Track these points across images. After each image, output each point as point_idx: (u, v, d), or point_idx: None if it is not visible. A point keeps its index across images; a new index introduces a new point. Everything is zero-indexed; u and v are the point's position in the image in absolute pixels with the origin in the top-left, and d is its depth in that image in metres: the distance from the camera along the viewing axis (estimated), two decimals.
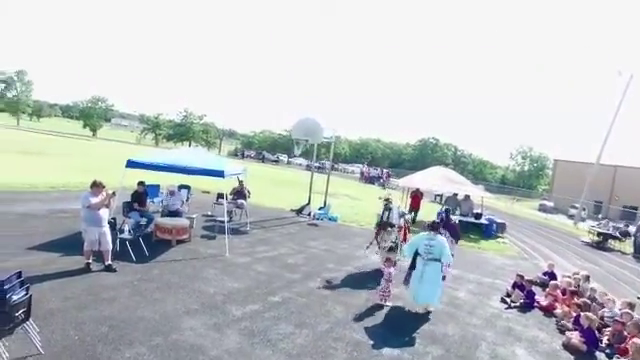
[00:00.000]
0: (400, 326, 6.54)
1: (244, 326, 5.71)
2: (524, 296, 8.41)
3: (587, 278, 9.46)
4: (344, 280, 8.50)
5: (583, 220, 31.44)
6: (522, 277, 8.83)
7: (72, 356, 4.42)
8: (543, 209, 38.13)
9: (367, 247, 9.66)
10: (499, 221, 17.87)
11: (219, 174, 9.21)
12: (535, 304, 8.39)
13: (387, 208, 9.38)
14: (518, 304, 8.28)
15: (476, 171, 77.04)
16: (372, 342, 5.79)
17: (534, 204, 42.85)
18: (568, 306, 8.05)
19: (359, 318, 6.59)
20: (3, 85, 70.24)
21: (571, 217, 33.80)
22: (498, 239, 16.30)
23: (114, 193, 7.27)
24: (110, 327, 5.10)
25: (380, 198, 10.21)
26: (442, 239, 7.29)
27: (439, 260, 7.05)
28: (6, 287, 4.01)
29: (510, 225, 19.97)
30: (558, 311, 8.02)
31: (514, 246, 15.88)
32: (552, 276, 10.05)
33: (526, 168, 74.39)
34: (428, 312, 7.18)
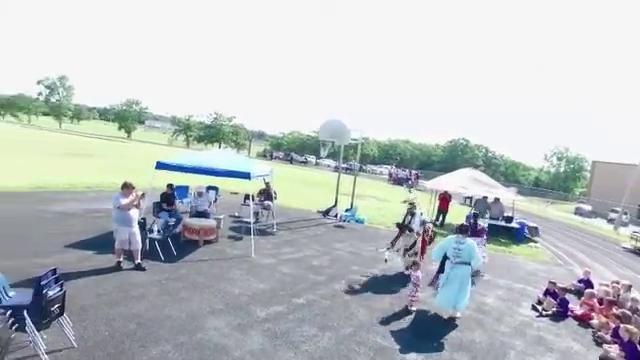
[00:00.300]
0: (425, 331, 6.43)
1: (267, 327, 5.76)
2: (557, 304, 8.08)
3: (629, 288, 8.93)
4: (369, 283, 8.44)
5: (625, 225, 29.94)
6: (554, 284, 8.48)
7: (102, 351, 4.58)
8: (580, 213, 36.60)
9: (388, 248, 9.30)
10: (531, 225, 17.27)
11: (245, 176, 9.34)
12: (569, 313, 8.04)
13: (410, 212, 9.18)
14: (550, 312, 7.95)
15: (508, 173, 74.86)
16: (396, 347, 5.72)
17: (570, 207, 41.19)
18: (606, 317, 7.65)
19: (383, 322, 6.52)
20: (47, 90, 74.20)
21: (611, 221, 32.21)
22: (530, 243, 15.75)
23: (143, 194, 7.49)
24: (138, 324, 5.27)
25: (405, 201, 10.03)
26: (471, 242, 7.12)
27: (468, 264, 6.90)
28: (43, 283, 4.21)
29: (543, 229, 19.27)
30: (595, 322, 7.64)
31: (547, 251, 15.29)
32: (588, 284, 9.60)
33: (562, 170, 71.58)
34: (454, 318, 7.01)
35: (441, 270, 7.25)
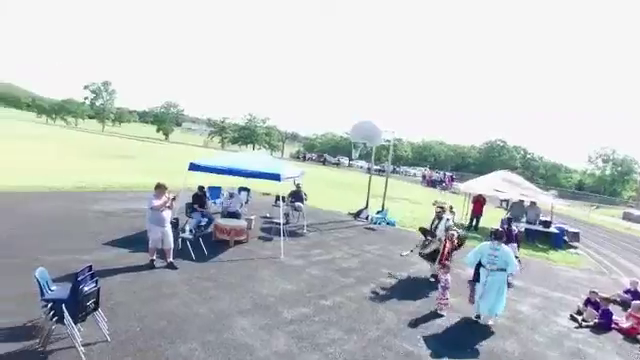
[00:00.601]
0: (454, 338, 6.25)
1: (293, 329, 5.79)
2: (598, 315, 7.64)
3: None
4: (398, 286, 8.32)
5: None
6: (596, 293, 8.04)
7: (133, 345, 4.76)
8: (628, 218, 34.49)
9: (410, 251, 9.58)
10: (572, 230, 16.44)
11: (276, 177, 9.44)
12: (613, 325, 7.58)
13: (438, 217, 8.91)
14: (591, 324, 7.53)
15: (548, 175, 71.65)
16: (424, 353, 5.60)
17: (617, 212, 38.87)
18: None
19: (411, 327, 6.40)
20: (93, 95, 78.20)
21: None
22: (570, 250, 14.99)
23: (174, 197, 7.72)
24: (168, 322, 5.43)
25: (434, 204, 9.81)
26: (507, 248, 6.97)
27: (504, 270, 6.77)
28: (80, 279, 4.43)
29: (586, 235, 18.32)
30: None
31: (589, 258, 14.52)
32: (636, 295, 8.98)
33: (607, 172, 67.74)
34: (489, 326, 6.82)
35: (476, 279, 7.06)
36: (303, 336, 5.61)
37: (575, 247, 15.39)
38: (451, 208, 10.96)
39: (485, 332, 6.62)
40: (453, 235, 8.44)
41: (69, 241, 8.27)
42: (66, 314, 4.20)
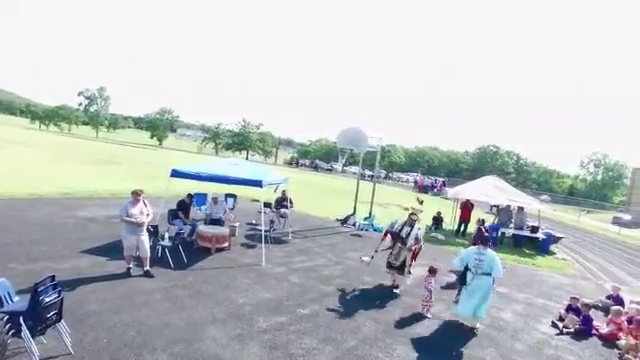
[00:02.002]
0: (432, 347, 6.17)
1: (267, 338, 5.68)
2: (579, 321, 7.60)
3: None
4: (379, 294, 8.23)
5: None
6: (577, 300, 8.00)
7: (98, 358, 4.63)
8: (618, 222, 34.66)
9: (371, 257, 9.20)
10: (558, 235, 16.48)
11: (257, 184, 9.36)
12: (593, 331, 7.54)
13: (410, 224, 8.27)
14: (572, 330, 7.49)
15: (541, 180, 72.14)
16: None
17: (607, 217, 39.13)
18: (635, 338, 7.10)
19: (389, 335, 6.32)
20: (87, 101, 77.88)
21: None
22: (556, 255, 14.99)
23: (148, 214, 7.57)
24: (137, 332, 5.31)
25: (407, 209, 9.75)
26: (492, 252, 7.11)
27: (489, 274, 6.92)
28: (40, 290, 4.31)
29: (574, 240, 18.35)
30: (622, 342, 7.12)
31: (576, 264, 14.52)
32: (618, 301, 8.97)
33: (599, 177, 68.29)
34: (473, 329, 6.92)
35: (462, 282, 7.16)
36: (277, 346, 5.51)
37: (554, 252, 15.33)
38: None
39: (463, 340, 6.55)
40: (421, 246, 8.52)
41: (47, 248, 8.14)
42: (23, 327, 4.08)
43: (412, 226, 8.25)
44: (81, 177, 18.26)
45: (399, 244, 8.22)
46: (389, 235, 8.55)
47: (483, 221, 11.73)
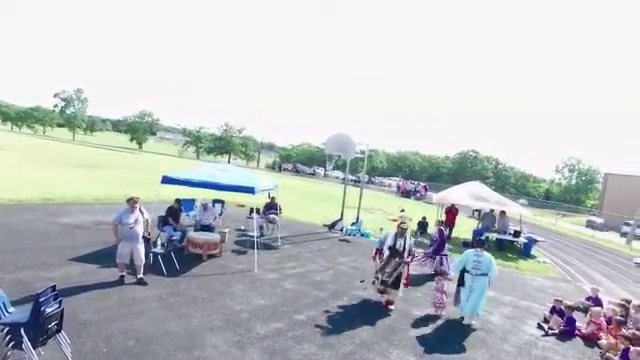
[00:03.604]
0: (427, 351, 6.32)
1: (266, 344, 5.73)
2: (563, 323, 7.91)
3: (639, 307, 8.71)
4: (372, 300, 8.34)
5: (638, 239, 29.31)
6: (561, 302, 8.32)
7: None
8: (591, 226, 35.96)
9: (373, 282, 7.96)
10: (540, 239, 17.03)
11: (250, 190, 9.39)
12: (576, 332, 7.87)
13: (402, 235, 7.81)
14: (556, 331, 7.79)
15: (518, 185, 74.03)
16: None
17: (581, 220, 40.53)
18: (615, 337, 7.45)
19: (385, 340, 6.44)
20: (64, 103, 75.77)
21: (624, 235, 31.60)
22: (538, 259, 15.48)
23: (147, 221, 7.55)
24: (137, 340, 5.28)
25: (394, 220, 9.85)
26: (489, 255, 7.72)
27: (486, 274, 7.56)
28: (41, 300, 4.26)
29: (552, 243, 18.96)
30: (603, 342, 7.45)
31: (556, 267, 15.03)
32: (597, 302, 9.38)
33: (573, 182, 70.63)
34: (470, 326, 7.49)
35: (461, 283, 7.72)
36: (276, 352, 5.56)
37: (535, 256, 15.82)
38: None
39: (456, 343, 6.74)
40: (415, 253, 8.20)
41: (33, 257, 7.94)
42: (25, 338, 4.02)
43: (404, 237, 7.83)
44: (61, 182, 17.81)
45: (396, 259, 7.69)
46: (378, 252, 8.01)
47: (442, 222, 12.60)
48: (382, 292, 7.86)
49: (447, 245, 11.28)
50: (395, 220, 10.13)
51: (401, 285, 7.85)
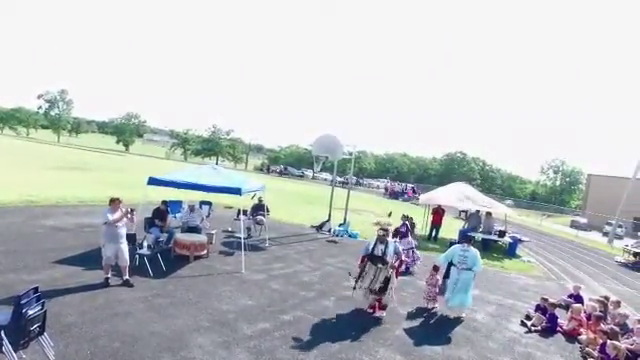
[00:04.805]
0: (412, 348, 6.40)
1: (253, 344, 5.74)
2: (546, 320, 8.08)
3: (618, 304, 8.91)
4: (358, 300, 8.39)
5: (620, 238, 29.98)
6: (546, 300, 8.49)
7: None
8: (575, 226, 36.65)
9: (354, 288, 7.58)
10: (525, 239, 17.32)
11: (236, 191, 9.39)
12: (558, 328, 8.04)
13: (382, 241, 7.39)
14: (539, 328, 7.95)
15: (505, 186, 75.10)
16: None
17: (566, 220, 41.26)
18: (594, 332, 7.65)
19: (371, 339, 6.50)
20: (48, 104, 74.45)
21: (606, 234, 32.29)
22: (522, 258, 15.75)
23: (132, 210, 7.52)
24: (122, 342, 5.25)
25: (377, 224, 9.91)
26: (475, 250, 8.03)
27: (471, 269, 7.86)
28: (23, 302, 4.21)
29: (537, 243, 19.28)
30: (583, 337, 7.63)
31: (540, 266, 15.29)
32: (578, 299, 9.58)
33: (558, 183, 71.95)
34: (459, 318, 7.89)
35: (447, 275, 8.13)
36: (262, 352, 5.58)
37: (520, 256, 16.08)
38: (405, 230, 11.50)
39: (442, 341, 6.83)
40: (402, 256, 7.79)
41: (16, 260, 7.82)
42: (5, 341, 3.97)
43: (384, 242, 7.37)
44: (45, 184, 17.54)
45: (379, 265, 7.25)
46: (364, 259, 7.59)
47: (407, 216, 13.02)
48: (373, 306, 7.46)
49: (412, 239, 11.64)
50: (377, 224, 10.14)
51: (390, 292, 7.38)
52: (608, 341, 6.63)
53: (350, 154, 16.94)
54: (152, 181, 9.30)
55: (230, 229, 12.97)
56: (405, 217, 13.00)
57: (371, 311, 7.55)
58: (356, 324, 7.02)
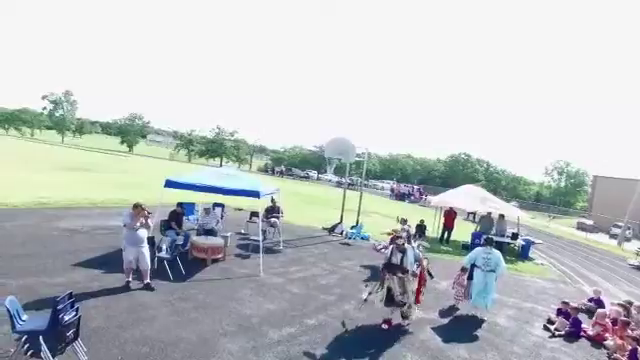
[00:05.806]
0: (440, 354, 6.33)
1: (281, 350, 5.68)
2: (569, 324, 7.99)
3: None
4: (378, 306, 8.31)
5: (628, 240, 29.81)
6: (567, 304, 8.42)
7: None
8: (582, 228, 36.45)
9: (367, 295, 7.31)
10: (537, 241, 17.21)
11: (255, 195, 9.34)
12: (581, 333, 7.95)
13: (400, 250, 6.98)
14: (563, 333, 7.86)
15: (509, 187, 74.83)
16: None
17: (571, 222, 41.05)
18: (621, 338, 7.53)
19: (397, 343, 6.43)
20: (52, 105, 74.65)
21: (613, 237, 32.11)
22: (535, 260, 15.64)
23: (149, 213, 7.45)
24: (151, 347, 5.19)
25: (389, 234, 9.90)
26: (498, 252, 8.22)
27: (494, 270, 8.02)
28: (59, 307, 4.17)
29: (547, 245, 19.15)
30: (609, 343, 7.53)
31: (553, 268, 15.19)
32: (599, 303, 9.49)
33: (562, 184, 71.64)
34: (482, 321, 7.97)
35: (470, 277, 8.32)
36: (292, 357, 5.52)
37: (533, 258, 15.98)
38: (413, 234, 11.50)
39: (467, 346, 6.75)
40: (424, 261, 7.57)
41: (36, 263, 7.78)
42: (44, 347, 3.93)
43: (403, 251, 6.98)
44: (55, 185, 17.54)
45: (399, 274, 6.84)
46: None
47: (404, 220, 12.73)
48: (388, 321, 7.07)
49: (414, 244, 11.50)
50: (389, 234, 10.03)
51: (413, 303, 7.12)
52: (639, 347, 6.53)
53: (363, 154, 16.88)
54: (169, 184, 9.25)
55: (243, 231, 12.91)
56: (420, 225, 12.73)
57: (386, 327, 6.97)
58: (379, 328, 6.94)
